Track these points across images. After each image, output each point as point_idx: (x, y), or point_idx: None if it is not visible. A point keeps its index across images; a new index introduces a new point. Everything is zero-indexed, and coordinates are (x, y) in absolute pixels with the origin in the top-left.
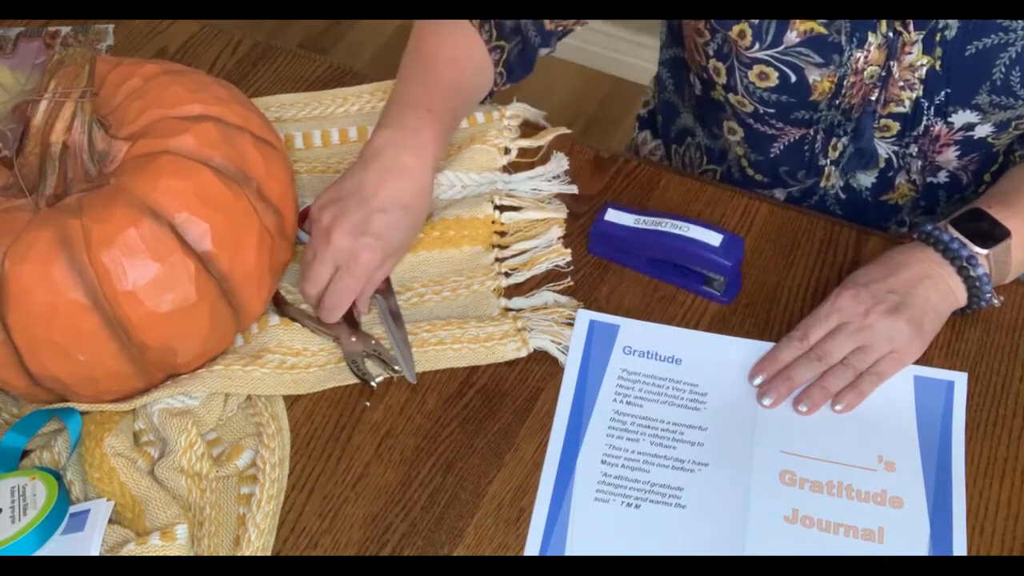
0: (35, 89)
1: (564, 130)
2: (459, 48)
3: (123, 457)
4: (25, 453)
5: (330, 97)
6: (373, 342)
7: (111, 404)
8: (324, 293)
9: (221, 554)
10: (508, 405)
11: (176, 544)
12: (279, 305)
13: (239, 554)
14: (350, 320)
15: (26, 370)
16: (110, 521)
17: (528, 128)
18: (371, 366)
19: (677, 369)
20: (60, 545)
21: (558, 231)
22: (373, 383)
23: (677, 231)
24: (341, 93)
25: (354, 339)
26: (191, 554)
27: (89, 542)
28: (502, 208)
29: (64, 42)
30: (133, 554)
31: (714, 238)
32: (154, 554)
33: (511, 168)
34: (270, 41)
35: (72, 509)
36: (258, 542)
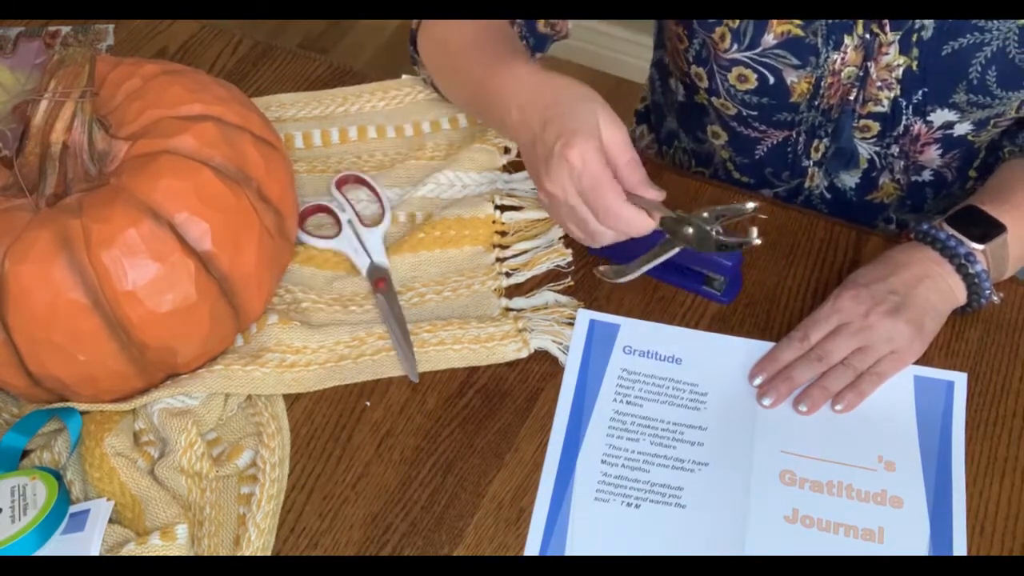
0: (35, 89)
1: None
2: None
3: (123, 457)
4: (25, 453)
5: (330, 97)
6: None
7: (111, 404)
8: (599, 226)
9: (221, 554)
10: (508, 405)
11: (176, 544)
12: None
13: (239, 554)
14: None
15: (26, 370)
16: (110, 521)
17: None
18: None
19: (677, 369)
20: (60, 545)
21: (559, 231)
22: (756, 240)
23: None
24: (341, 93)
25: (706, 213)
26: (191, 554)
27: (89, 542)
28: (503, 208)
29: (64, 42)
30: (133, 554)
31: None
32: (154, 554)
33: (511, 167)
34: (270, 41)
35: (72, 509)
36: (258, 542)
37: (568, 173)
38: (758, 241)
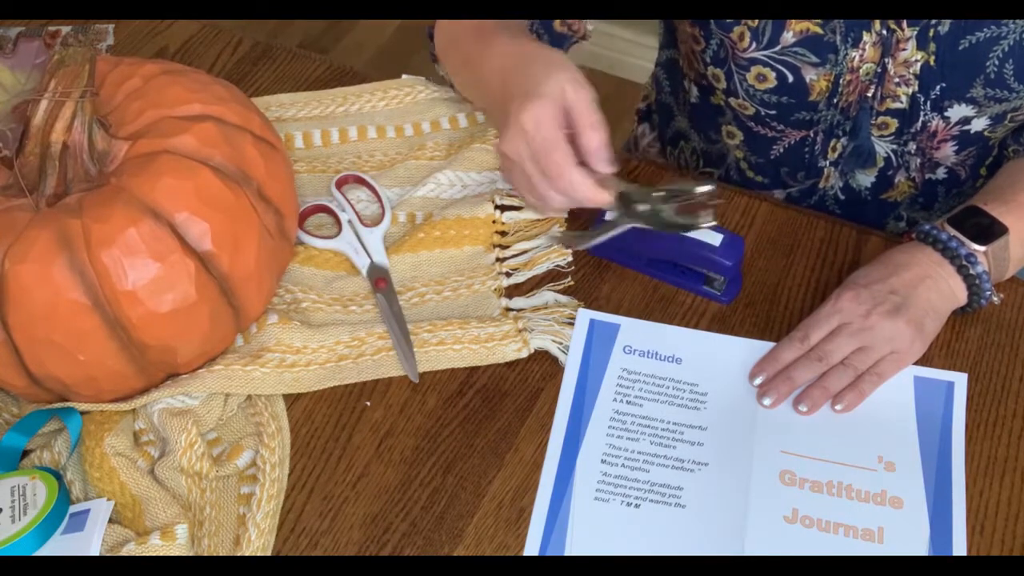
0: (35, 89)
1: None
2: None
3: (123, 457)
4: (25, 453)
5: (330, 97)
6: (659, 193)
7: (111, 404)
8: (549, 190)
9: (221, 554)
10: (508, 405)
11: (176, 544)
12: (624, 203)
13: (239, 554)
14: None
15: (26, 370)
16: (110, 521)
17: None
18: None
19: (677, 368)
20: (60, 545)
21: (559, 231)
22: (712, 220)
23: None
24: (341, 93)
25: (665, 193)
26: (191, 554)
27: (89, 542)
28: (503, 208)
29: (64, 42)
30: (133, 554)
31: (714, 238)
32: (154, 554)
33: None
34: (270, 41)
35: (72, 509)
36: (258, 542)
37: (522, 136)
38: (708, 224)
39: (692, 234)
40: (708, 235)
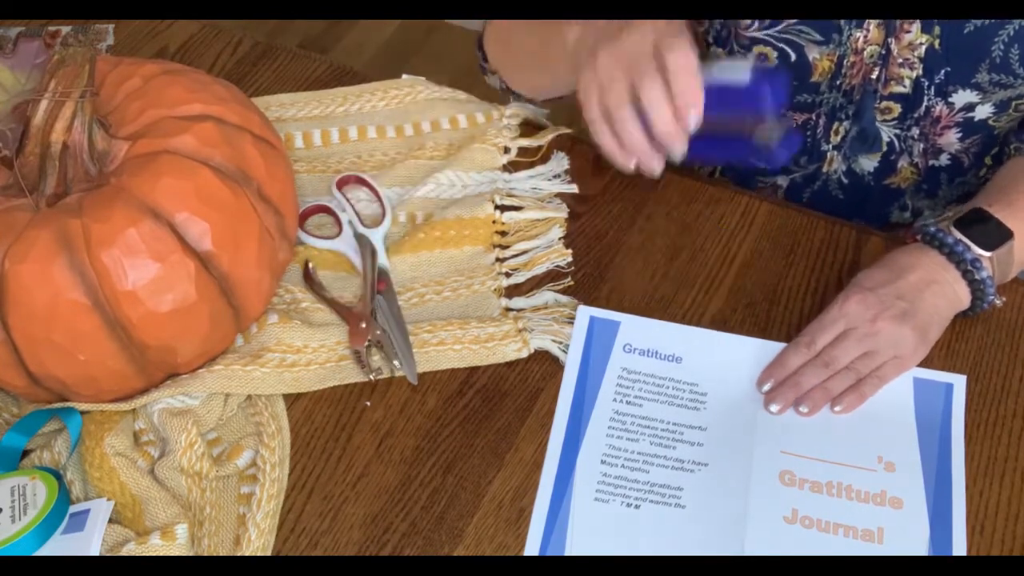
0: (35, 89)
1: (564, 129)
2: None
3: (123, 457)
4: (25, 453)
5: (330, 97)
6: (379, 332)
7: (111, 404)
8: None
9: (221, 554)
10: (508, 405)
11: (176, 544)
12: (308, 281)
13: (239, 554)
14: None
15: (26, 370)
16: (110, 521)
17: (528, 127)
18: (375, 361)
19: (677, 368)
20: (60, 545)
21: (559, 231)
22: (371, 376)
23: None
24: (341, 93)
25: (364, 325)
26: (191, 554)
27: (89, 542)
28: (503, 208)
29: (64, 42)
30: (133, 554)
31: (743, 74)
32: (154, 554)
33: (511, 167)
34: (270, 41)
35: (72, 509)
36: (258, 542)
37: (652, 26)
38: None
39: (713, 79)
40: (736, 71)
